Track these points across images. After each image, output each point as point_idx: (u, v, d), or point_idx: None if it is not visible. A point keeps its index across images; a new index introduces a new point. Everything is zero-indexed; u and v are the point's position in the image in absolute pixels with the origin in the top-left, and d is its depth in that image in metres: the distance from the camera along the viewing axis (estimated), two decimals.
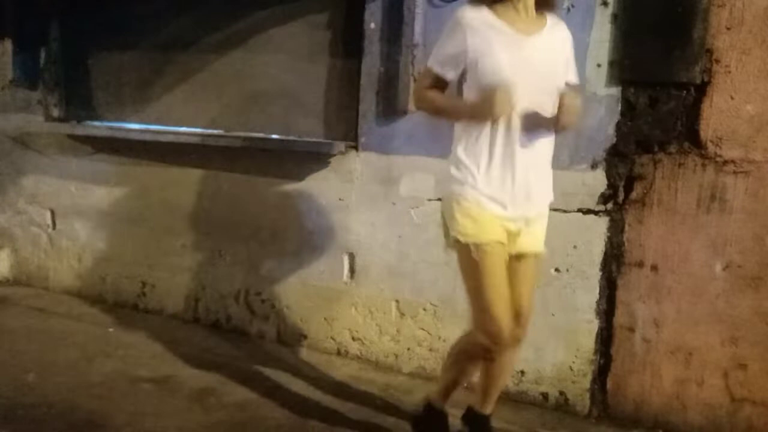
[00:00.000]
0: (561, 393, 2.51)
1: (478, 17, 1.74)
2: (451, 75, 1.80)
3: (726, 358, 2.27)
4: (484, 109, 1.69)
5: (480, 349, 1.83)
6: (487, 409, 2.14)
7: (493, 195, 1.76)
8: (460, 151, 1.81)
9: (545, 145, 1.84)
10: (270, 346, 3.03)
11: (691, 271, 2.29)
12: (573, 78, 1.90)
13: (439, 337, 2.66)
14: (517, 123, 1.74)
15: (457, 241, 1.78)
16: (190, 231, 3.25)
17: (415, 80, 2.57)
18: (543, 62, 1.77)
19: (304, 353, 2.94)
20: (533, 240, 1.86)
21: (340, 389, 2.58)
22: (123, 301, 3.48)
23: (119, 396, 2.42)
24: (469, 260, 1.74)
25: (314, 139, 2.89)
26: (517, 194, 1.78)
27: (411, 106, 2.59)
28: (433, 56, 1.83)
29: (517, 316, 1.83)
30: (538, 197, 1.85)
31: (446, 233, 1.86)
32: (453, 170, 1.82)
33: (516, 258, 1.84)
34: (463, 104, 1.83)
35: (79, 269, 3.61)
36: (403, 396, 2.52)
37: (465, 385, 2.11)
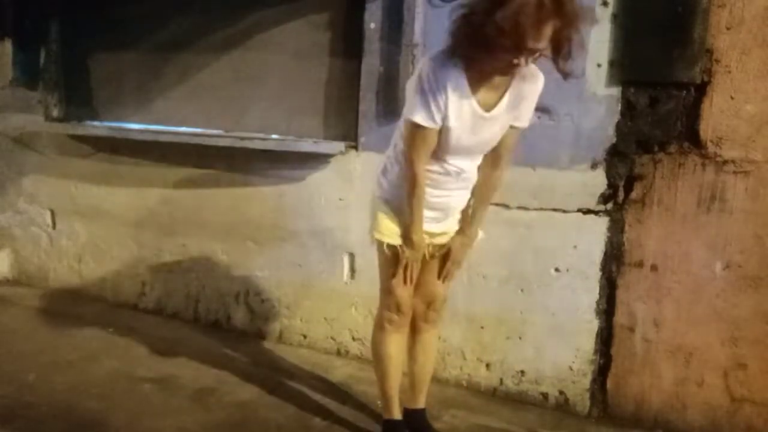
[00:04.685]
0: (561, 393, 2.51)
1: (457, 85, 1.70)
2: (438, 122, 1.75)
3: (726, 358, 2.28)
4: (407, 241, 1.91)
5: (387, 322, 2.05)
6: (420, 403, 2.22)
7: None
8: (391, 171, 1.94)
9: (470, 176, 1.95)
10: (270, 346, 3.03)
11: (691, 271, 2.29)
12: (524, 123, 1.87)
13: (439, 337, 2.65)
14: (446, 168, 1.87)
15: (376, 236, 2.00)
16: (190, 231, 3.26)
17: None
18: (493, 135, 1.84)
19: (304, 353, 2.94)
20: (446, 237, 2.02)
21: (340, 389, 2.58)
22: (123, 301, 3.48)
23: (119, 396, 2.43)
24: (383, 254, 1.98)
25: (314, 139, 2.89)
26: (438, 216, 1.95)
27: None
28: (420, 113, 1.72)
29: (431, 301, 2.09)
30: (456, 213, 2.00)
31: (369, 229, 2.05)
32: (382, 180, 1.98)
33: (430, 250, 2.01)
34: (410, 218, 1.89)
35: (79, 269, 3.61)
36: (403, 396, 2.51)
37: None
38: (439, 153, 1.83)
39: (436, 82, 1.68)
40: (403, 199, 1.89)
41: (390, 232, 1.94)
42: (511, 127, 1.85)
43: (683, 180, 2.27)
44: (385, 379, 2.13)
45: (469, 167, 1.91)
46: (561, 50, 1.59)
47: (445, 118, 1.73)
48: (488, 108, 1.76)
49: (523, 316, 2.55)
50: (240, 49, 3.06)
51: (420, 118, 1.72)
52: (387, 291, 2.02)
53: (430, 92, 1.69)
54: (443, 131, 1.76)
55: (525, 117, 1.86)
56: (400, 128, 1.91)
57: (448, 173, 1.87)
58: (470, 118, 1.75)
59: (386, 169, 1.98)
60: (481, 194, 1.99)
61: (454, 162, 1.86)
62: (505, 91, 1.76)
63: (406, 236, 1.91)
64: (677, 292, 2.32)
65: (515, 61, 1.57)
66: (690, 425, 2.34)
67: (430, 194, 1.88)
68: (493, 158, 1.92)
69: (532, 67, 1.73)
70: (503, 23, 1.48)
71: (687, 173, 2.26)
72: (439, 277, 2.04)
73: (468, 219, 2.01)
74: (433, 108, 1.71)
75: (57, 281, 3.69)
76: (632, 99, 2.30)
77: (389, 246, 1.94)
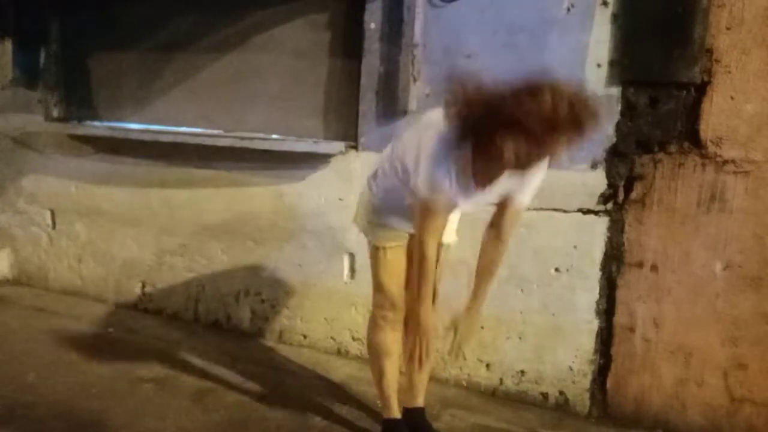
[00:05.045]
0: (561, 393, 2.51)
1: (462, 167, 1.71)
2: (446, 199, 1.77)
3: (726, 358, 2.27)
4: (420, 325, 1.90)
5: (381, 320, 2.08)
6: (419, 402, 2.23)
7: (401, 225, 1.98)
8: (382, 182, 1.99)
9: None
10: (270, 346, 3.03)
11: (691, 271, 2.29)
12: (525, 199, 1.87)
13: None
14: None
15: (368, 239, 2.07)
16: (190, 231, 3.25)
17: (415, 81, 2.57)
18: (489, 200, 1.88)
19: (304, 353, 2.94)
20: None
21: (340, 389, 2.58)
22: (123, 301, 3.48)
23: (119, 396, 2.42)
24: (375, 254, 2.04)
25: (314, 139, 2.89)
26: None
27: (411, 107, 2.60)
28: (430, 192, 1.74)
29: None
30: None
31: (356, 217, 2.14)
32: (373, 184, 2.02)
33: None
34: (417, 299, 1.89)
35: (79, 269, 3.61)
36: (403, 396, 2.51)
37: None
38: None
39: (444, 162, 1.69)
40: (391, 205, 1.94)
41: (379, 235, 2.00)
42: (511, 203, 1.86)
43: (683, 180, 2.27)
44: (382, 377, 2.14)
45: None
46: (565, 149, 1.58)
47: (452, 195, 1.75)
48: (487, 186, 1.78)
49: (523, 316, 2.55)
50: (240, 49, 3.06)
51: (432, 199, 1.74)
52: (379, 289, 2.06)
53: (440, 172, 1.70)
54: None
55: (527, 192, 1.85)
56: (397, 147, 1.93)
57: None
58: (466, 194, 1.77)
59: (377, 176, 2.02)
60: (484, 271, 1.99)
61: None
62: (502, 175, 1.75)
63: (417, 317, 1.89)
64: (677, 292, 2.32)
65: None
66: (690, 425, 2.34)
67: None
68: (495, 237, 1.94)
69: None
70: (512, 142, 1.48)
71: (687, 173, 2.26)
72: (449, 354, 2.02)
73: (473, 297, 2.01)
74: (443, 186, 1.72)
75: (57, 281, 3.69)
76: (632, 99, 2.30)
77: (378, 247, 2.00)
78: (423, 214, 1.79)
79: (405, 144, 1.90)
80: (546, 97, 1.44)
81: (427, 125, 1.81)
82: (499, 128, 1.49)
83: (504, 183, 1.78)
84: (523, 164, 1.54)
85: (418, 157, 1.76)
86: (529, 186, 1.83)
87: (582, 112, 1.47)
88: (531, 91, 1.47)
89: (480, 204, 1.88)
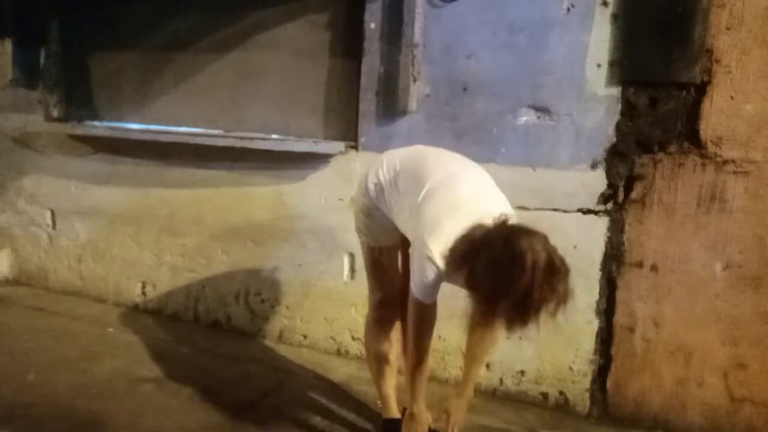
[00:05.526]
0: (561, 393, 2.51)
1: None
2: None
3: (726, 358, 2.28)
4: (413, 419, 1.95)
5: (377, 319, 2.09)
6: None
7: (395, 230, 1.96)
8: (373, 198, 1.97)
9: None
10: (270, 346, 3.03)
11: (691, 271, 2.29)
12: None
13: (439, 337, 2.65)
14: None
15: (361, 238, 2.09)
16: (190, 231, 3.25)
17: (415, 81, 2.57)
18: None
19: (304, 353, 2.94)
20: None
21: (340, 389, 2.58)
22: (123, 301, 3.48)
23: (119, 396, 2.42)
24: (368, 253, 2.06)
25: (314, 139, 2.89)
26: None
27: (411, 107, 2.60)
28: (426, 295, 1.76)
29: None
30: None
31: (356, 218, 2.12)
32: (371, 187, 1.97)
33: None
34: (410, 394, 1.94)
35: (79, 269, 3.61)
36: (403, 396, 2.51)
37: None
38: None
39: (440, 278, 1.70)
40: (383, 215, 1.95)
41: (373, 235, 2.01)
42: None
43: (683, 180, 2.27)
44: (380, 377, 2.14)
45: None
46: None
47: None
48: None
49: None
50: (240, 48, 3.06)
51: (427, 299, 1.78)
52: (373, 289, 2.10)
53: (438, 282, 1.72)
54: None
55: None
56: (385, 180, 1.93)
57: None
58: None
59: (370, 182, 1.99)
60: (474, 356, 2.02)
61: None
62: None
63: (408, 412, 1.94)
64: (677, 292, 2.32)
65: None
66: (690, 425, 2.34)
67: None
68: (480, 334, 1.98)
69: None
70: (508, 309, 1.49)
71: (687, 173, 2.26)
72: None
73: (463, 382, 2.05)
74: (437, 288, 1.75)
75: (57, 281, 3.69)
76: (632, 99, 2.30)
77: (372, 247, 2.02)
78: (417, 313, 1.81)
79: (405, 187, 1.86)
80: (525, 266, 1.44)
81: (432, 195, 1.75)
82: (485, 298, 1.54)
83: None
84: (515, 327, 1.56)
85: (415, 261, 1.75)
86: None
87: (556, 275, 1.47)
88: (510, 260, 1.46)
89: None
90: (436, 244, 1.64)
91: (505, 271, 1.45)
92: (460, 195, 1.74)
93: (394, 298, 2.06)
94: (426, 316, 1.83)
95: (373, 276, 2.07)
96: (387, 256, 2.02)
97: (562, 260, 1.50)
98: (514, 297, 1.44)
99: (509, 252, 1.46)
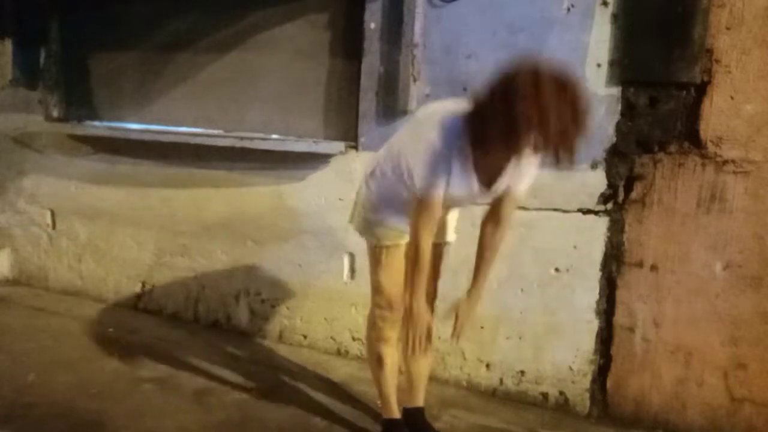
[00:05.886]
0: (561, 393, 2.51)
1: (463, 163, 1.74)
2: (442, 192, 1.78)
3: (726, 358, 2.27)
4: (412, 316, 1.90)
5: (379, 320, 2.08)
6: (419, 402, 2.23)
7: (399, 225, 1.96)
8: (380, 180, 1.98)
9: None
10: (270, 346, 3.03)
11: (691, 271, 2.29)
12: (522, 189, 1.89)
13: (439, 337, 2.65)
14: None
15: (366, 239, 2.08)
16: (190, 231, 3.25)
17: (415, 81, 2.57)
18: (488, 197, 1.90)
19: (305, 353, 2.94)
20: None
21: (340, 389, 2.58)
22: (123, 301, 3.48)
23: (119, 396, 2.42)
24: (373, 254, 2.05)
25: (314, 139, 2.89)
26: None
27: (411, 107, 2.60)
28: (425, 185, 1.76)
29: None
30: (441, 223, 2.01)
31: (351, 217, 2.14)
32: (370, 182, 2.01)
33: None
34: (410, 289, 1.90)
35: (79, 269, 3.61)
36: (403, 396, 2.51)
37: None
38: None
39: (444, 155, 1.71)
40: (389, 204, 1.94)
41: (382, 234, 1.99)
42: (508, 193, 1.88)
43: (683, 180, 2.27)
44: (382, 377, 2.14)
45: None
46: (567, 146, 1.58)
47: (448, 184, 1.76)
48: (488, 183, 1.80)
49: (523, 316, 2.55)
50: (240, 49, 3.06)
51: (427, 192, 1.76)
52: (377, 289, 2.06)
53: (438, 165, 1.72)
54: (444, 198, 1.80)
55: (522, 185, 1.88)
56: (395, 144, 1.94)
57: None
58: (468, 188, 1.79)
59: (375, 175, 2.01)
60: (484, 256, 2.00)
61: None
62: (505, 168, 1.78)
63: (407, 307, 1.91)
64: (677, 292, 2.32)
65: (525, 149, 1.59)
66: (690, 425, 2.34)
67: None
68: (493, 225, 1.96)
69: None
70: (524, 113, 1.49)
71: (687, 173, 2.26)
72: (451, 337, 2.04)
73: (474, 282, 2.03)
74: (440, 181, 1.74)
75: (57, 281, 3.69)
76: (632, 99, 2.30)
77: (378, 247, 2.00)
78: (419, 208, 1.80)
79: (402, 141, 1.90)
80: (525, 76, 1.50)
81: (423, 121, 1.83)
82: (495, 119, 1.56)
83: (503, 180, 1.81)
84: (538, 147, 1.56)
85: (416, 152, 1.77)
86: (526, 177, 1.85)
87: (567, 86, 1.51)
88: (511, 75, 1.54)
89: (478, 201, 1.89)
90: (433, 130, 1.72)
91: (523, 94, 1.48)
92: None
93: (398, 299, 2.05)
94: (427, 209, 1.79)
95: (377, 276, 2.06)
96: (392, 256, 2.00)
97: (564, 69, 1.55)
98: (541, 112, 1.47)
99: (516, 80, 1.51)
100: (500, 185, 1.83)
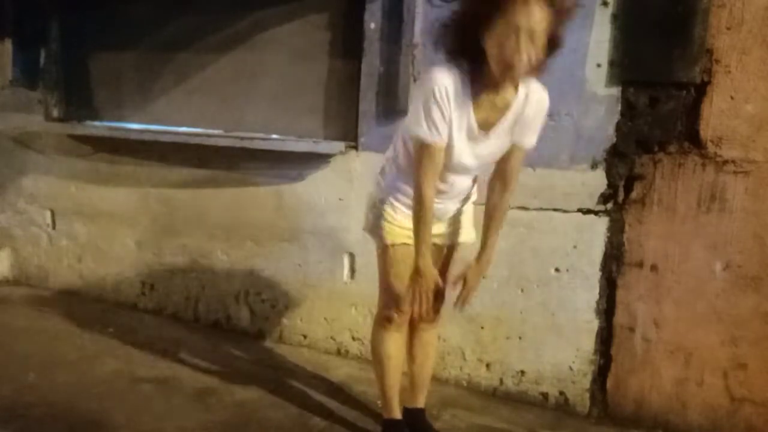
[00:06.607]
0: (561, 393, 2.51)
1: (462, 101, 1.73)
2: (444, 137, 1.76)
3: (726, 358, 2.28)
4: (419, 274, 1.87)
5: (386, 321, 2.06)
6: (420, 402, 2.22)
7: (406, 223, 1.93)
8: (389, 173, 1.98)
9: (464, 189, 1.99)
10: (270, 346, 3.03)
11: (691, 271, 2.29)
12: (528, 143, 1.87)
13: (439, 337, 2.65)
14: (444, 183, 1.89)
15: (376, 240, 2.04)
16: (190, 231, 3.26)
17: (415, 80, 2.57)
18: (492, 154, 1.87)
19: (304, 353, 2.94)
20: (438, 239, 2.02)
21: (340, 389, 2.58)
22: (123, 301, 3.48)
23: (119, 396, 2.42)
24: (382, 253, 2.01)
25: (314, 139, 2.89)
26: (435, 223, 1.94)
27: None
28: (427, 130, 1.74)
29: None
30: (446, 218, 2.02)
31: (365, 223, 2.07)
32: (380, 180, 2.01)
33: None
34: (416, 243, 1.87)
35: (79, 269, 3.61)
36: (402, 395, 2.51)
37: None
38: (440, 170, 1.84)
39: (441, 97, 1.70)
40: (400, 198, 1.94)
41: (392, 233, 1.96)
42: (516, 147, 1.86)
43: (683, 180, 2.27)
44: (385, 378, 2.13)
45: (465, 181, 1.95)
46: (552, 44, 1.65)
47: (449, 134, 1.75)
48: (488, 128, 1.78)
49: (523, 316, 2.55)
50: (240, 49, 3.06)
51: (427, 135, 1.74)
52: (386, 289, 2.04)
53: (436, 108, 1.71)
54: (447, 149, 1.78)
55: (530, 137, 1.86)
56: (401, 131, 1.93)
57: (443, 188, 1.90)
58: (469, 134, 1.78)
59: (384, 170, 2.02)
60: (491, 219, 1.98)
61: (452, 179, 1.89)
62: (507, 112, 1.77)
63: (414, 265, 1.88)
64: (677, 292, 2.32)
65: (515, 57, 1.59)
66: (690, 425, 2.34)
67: None
68: (500, 181, 1.94)
69: (537, 86, 1.78)
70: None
71: (687, 173, 2.26)
72: (455, 305, 2.01)
73: (482, 247, 2.00)
74: (440, 124, 1.72)
75: (57, 281, 3.69)
76: (632, 99, 2.30)
77: (386, 247, 1.97)
78: (419, 155, 1.78)
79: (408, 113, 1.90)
80: None
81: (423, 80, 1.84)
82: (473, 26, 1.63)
83: (506, 133, 1.80)
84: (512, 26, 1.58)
85: (415, 105, 1.77)
86: (531, 131, 1.84)
87: None
88: None
89: (483, 157, 1.85)
90: (427, 81, 1.74)
91: None
92: None
93: (405, 299, 2.03)
94: (428, 155, 1.76)
95: (386, 275, 2.02)
96: (400, 256, 1.98)
97: None
98: None
99: None
100: (501, 130, 1.79)
